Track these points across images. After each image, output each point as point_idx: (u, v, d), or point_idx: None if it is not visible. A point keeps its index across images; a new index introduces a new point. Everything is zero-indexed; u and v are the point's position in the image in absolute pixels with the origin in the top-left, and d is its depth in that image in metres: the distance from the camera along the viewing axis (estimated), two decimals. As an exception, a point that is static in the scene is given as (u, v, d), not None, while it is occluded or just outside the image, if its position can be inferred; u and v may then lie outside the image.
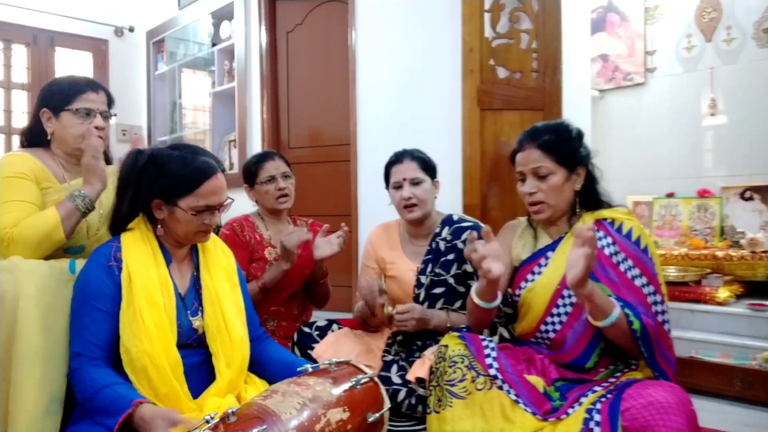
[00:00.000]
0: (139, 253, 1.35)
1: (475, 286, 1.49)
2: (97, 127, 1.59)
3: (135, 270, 1.32)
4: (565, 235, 1.52)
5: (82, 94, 1.59)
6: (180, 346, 1.34)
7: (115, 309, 1.30)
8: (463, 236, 1.87)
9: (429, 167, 1.92)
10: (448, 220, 1.94)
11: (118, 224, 1.41)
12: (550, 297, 1.47)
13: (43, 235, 1.44)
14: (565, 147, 1.49)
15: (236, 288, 1.52)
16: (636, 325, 1.31)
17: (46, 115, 1.60)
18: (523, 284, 1.54)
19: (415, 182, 1.87)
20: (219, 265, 1.49)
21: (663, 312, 1.41)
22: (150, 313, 1.29)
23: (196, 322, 1.40)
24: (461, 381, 1.33)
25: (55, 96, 1.60)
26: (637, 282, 1.41)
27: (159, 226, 1.40)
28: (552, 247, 1.53)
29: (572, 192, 1.52)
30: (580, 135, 1.53)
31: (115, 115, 1.70)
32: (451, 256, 1.87)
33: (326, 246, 1.99)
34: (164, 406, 1.26)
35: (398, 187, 1.90)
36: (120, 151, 1.84)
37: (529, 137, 1.53)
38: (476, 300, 1.46)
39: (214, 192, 1.37)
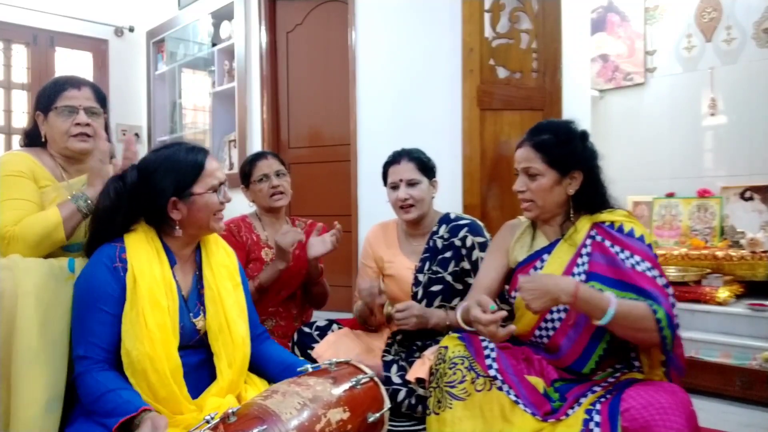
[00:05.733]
0: (144, 254, 1.35)
1: (459, 311, 1.50)
2: (78, 123, 1.60)
3: (140, 271, 1.31)
4: (559, 240, 1.51)
5: (63, 92, 1.61)
6: (180, 346, 1.34)
7: (120, 311, 1.29)
8: (460, 234, 1.88)
9: (427, 167, 1.92)
10: (445, 219, 1.94)
11: (105, 235, 1.38)
12: None
13: (43, 234, 1.44)
14: (560, 149, 1.46)
15: (238, 287, 1.52)
16: (660, 313, 1.25)
17: (40, 118, 1.63)
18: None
19: (412, 183, 1.88)
20: (221, 264, 1.49)
21: (674, 305, 1.36)
22: (153, 315, 1.28)
23: (199, 323, 1.40)
24: (461, 382, 1.32)
25: (42, 98, 1.62)
26: (649, 274, 1.35)
27: (177, 228, 1.39)
28: (548, 249, 1.52)
29: (564, 195, 1.49)
30: (583, 137, 1.50)
31: (106, 112, 1.70)
32: (448, 254, 1.87)
33: (319, 245, 2.00)
34: (163, 408, 1.26)
35: (395, 187, 1.90)
36: (120, 150, 1.83)
37: (529, 134, 1.52)
38: (461, 324, 1.48)
39: (217, 167, 1.43)
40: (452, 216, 1.95)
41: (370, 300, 1.80)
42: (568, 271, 1.45)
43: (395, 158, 1.93)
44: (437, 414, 1.33)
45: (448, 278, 1.86)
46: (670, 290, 1.36)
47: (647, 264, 1.36)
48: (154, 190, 1.36)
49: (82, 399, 1.26)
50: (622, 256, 1.39)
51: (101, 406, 1.21)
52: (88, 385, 1.24)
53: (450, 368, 1.34)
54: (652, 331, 1.27)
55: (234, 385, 1.40)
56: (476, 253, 1.84)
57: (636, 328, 1.28)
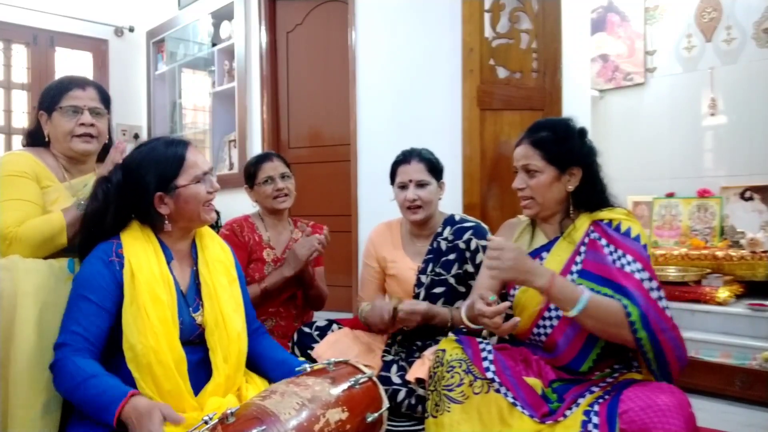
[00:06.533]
0: (141, 250, 1.35)
1: (464, 309, 1.51)
2: (83, 124, 1.60)
3: (137, 266, 1.31)
4: (558, 238, 1.51)
5: (68, 92, 1.61)
6: (182, 342, 1.33)
7: (110, 304, 1.28)
8: (465, 236, 1.87)
9: (436, 169, 1.92)
10: (450, 220, 1.94)
11: (96, 237, 1.37)
12: (542, 299, 1.44)
13: (46, 238, 1.46)
14: (558, 146, 1.46)
15: (234, 283, 1.52)
16: (635, 314, 1.26)
17: (44, 118, 1.63)
18: (517, 285, 1.52)
19: (421, 184, 1.86)
20: (217, 260, 1.50)
21: (661, 298, 1.34)
22: (154, 308, 1.29)
23: (199, 318, 1.40)
24: (459, 385, 1.32)
25: (46, 98, 1.63)
26: (638, 275, 1.35)
27: (166, 222, 1.39)
28: (547, 247, 1.52)
29: (563, 192, 1.49)
30: (582, 134, 1.50)
31: (110, 113, 1.70)
32: (452, 256, 1.87)
33: (302, 247, 2.01)
34: (167, 403, 1.25)
35: (403, 187, 1.89)
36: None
37: (527, 132, 1.53)
38: (466, 322, 1.48)
39: (199, 158, 1.42)
40: (457, 218, 1.94)
41: (382, 326, 1.81)
42: (567, 269, 1.45)
43: (405, 158, 1.91)
44: (435, 417, 1.33)
45: (451, 280, 1.86)
46: (659, 293, 1.34)
47: (638, 265, 1.35)
48: (139, 187, 1.36)
49: (59, 387, 1.22)
50: (614, 255, 1.39)
51: (83, 393, 1.17)
52: (65, 371, 1.20)
53: (448, 371, 1.34)
54: (623, 328, 1.28)
55: (231, 380, 1.40)
56: (480, 256, 1.83)
57: (607, 323, 1.30)
